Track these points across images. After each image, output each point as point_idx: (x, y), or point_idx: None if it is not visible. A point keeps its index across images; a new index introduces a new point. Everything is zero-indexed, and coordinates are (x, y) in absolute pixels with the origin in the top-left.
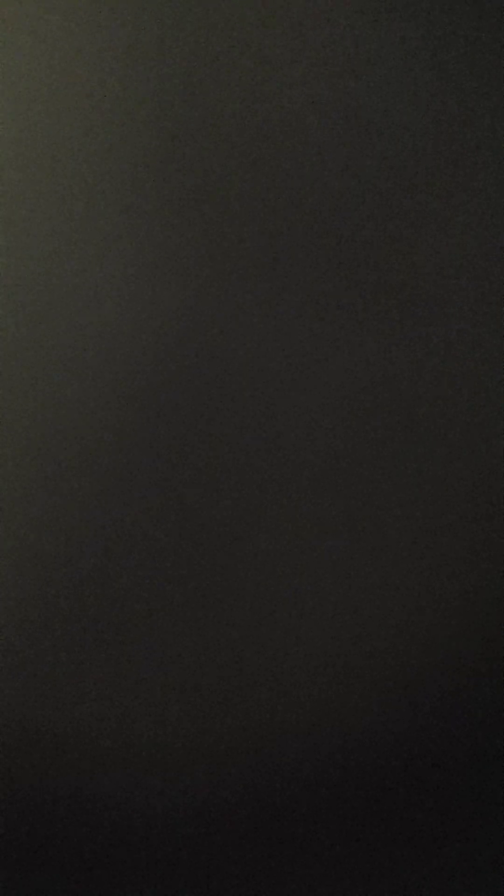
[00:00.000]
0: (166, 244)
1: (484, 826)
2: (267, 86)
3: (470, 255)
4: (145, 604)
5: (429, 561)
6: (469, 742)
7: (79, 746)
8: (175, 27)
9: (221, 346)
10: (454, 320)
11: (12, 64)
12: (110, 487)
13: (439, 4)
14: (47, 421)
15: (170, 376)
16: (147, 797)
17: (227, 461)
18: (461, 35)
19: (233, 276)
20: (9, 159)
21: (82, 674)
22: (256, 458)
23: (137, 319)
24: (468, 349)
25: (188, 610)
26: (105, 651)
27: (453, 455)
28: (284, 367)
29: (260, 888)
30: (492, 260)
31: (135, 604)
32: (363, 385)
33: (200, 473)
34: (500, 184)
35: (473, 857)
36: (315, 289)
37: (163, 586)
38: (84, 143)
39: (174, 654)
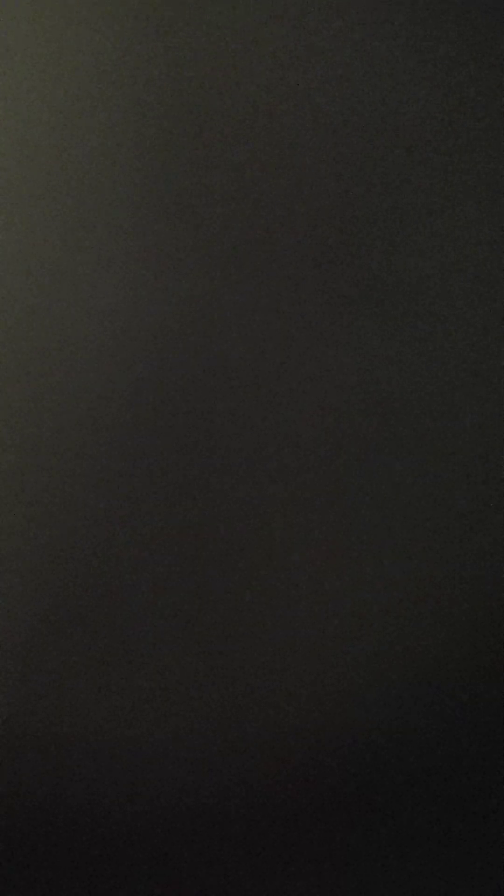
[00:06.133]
0: (165, 246)
1: (484, 826)
2: (266, 86)
3: (470, 255)
4: (146, 603)
5: (429, 560)
6: (469, 741)
7: (78, 746)
8: (174, 30)
9: (221, 345)
10: (453, 319)
11: (12, 65)
12: (110, 485)
13: (439, 5)
14: (47, 424)
15: (169, 378)
16: (147, 797)
17: (226, 461)
18: (461, 34)
19: (232, 276)
20: (9, 161)
21: (82, 674)
22: (256, 458)
23: (136, 321)
24: (468, 349)
25: (189, 610)
26: (105, 651)
27: (453, 453)
28: (283, 369)
29: (260, 888)
30: (492, 260)
31: (135, 603)
32: (362, 385)
33: (200, 475)
34: (500, 184)
35: (473, 857)
36: (314, 289)
37: (163, 586)
38: (83, 144)
39: (174, 654)
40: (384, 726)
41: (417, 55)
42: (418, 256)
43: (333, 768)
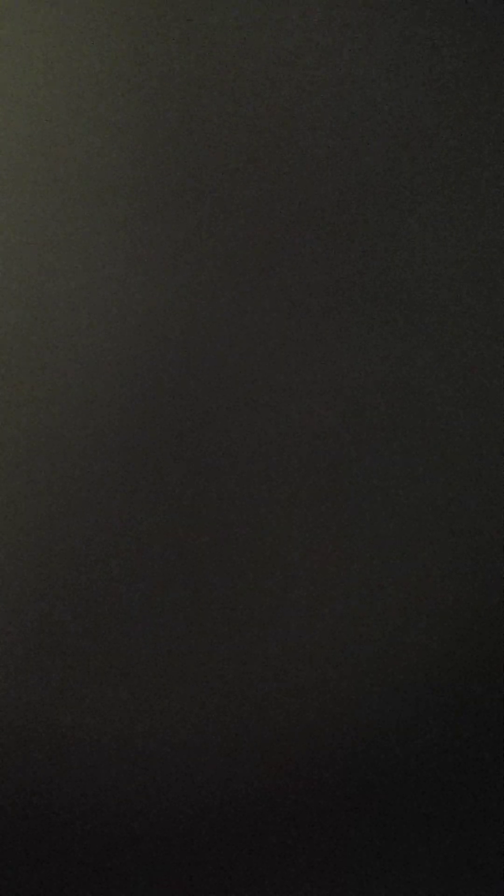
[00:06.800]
0: (165, 245)
1: (484, 826)
2: (266, 84)
3: (471, 254)
4: (146, 603)
5: (429, 558)
6: (470, 741)
7: (79, 746)
8: (174, 29)
9: (221, 344)
10: (455, 317)
11: (12, 66)
12: (110, 485)
13: (439, 5)
14: (47, 422)
15: (168, 376)
16: (147, 796)
17: (226, 460)
18: (460, 34)
19: (232, 275)
20: (9, 162)
21: (82, 673)
22: (255, 457)
23: (136, 319)
24: (469, 347)
25: (189, 610)
26: (105, 650)
27: (454, 452)
28: (283, 367)
29: (260, 887)
30: (492, 260)
31: (135, 603)
32: (363, 383)
33: (200, 474)
34: (500, 184)
35: (473, 857)
36: (314, 288)
37: (163, 585)
38: (83, 143)
39: (174, 655)
40: (384, 726)
41: (418, 53)
42: (419, 254)
43: (334, 768)
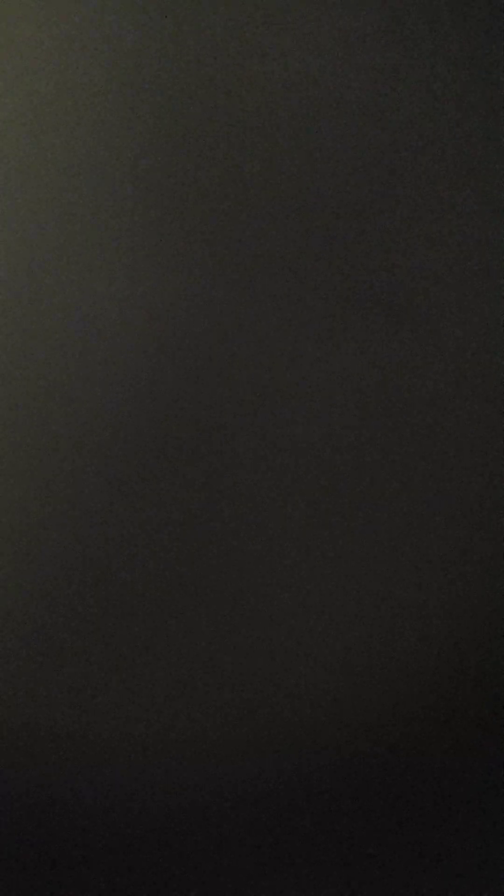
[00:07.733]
0: (167, 249)
1: (484, 826)
2: (268, 86)
3: (471, 255)
4: (146, 603)
5: (429, 562)
6: (470, 741)
7: (79, 744)
8: (174, 31)
9: (222, 346)
10: (453, 322)
11: (13, 66)
12: (112, 486)
13: (440, 5)
14: (49, 424)
15: (170, 380)
16: (147, 795)
17: (227, 464)
18: (461, 35)
19: (233, 276)
20: (10, 163)
21: (82, 672)
22: (257, 458)
23: (138, 320)
24: (470, 348)
25: (189, 609)
26: (106, 650)
27: (453, 455)
28: (285, 370)
29: (260, 887)
30: (490, 263)
31: (136, 603)
32: (364, 385)
33: (201, 476)
34: (499, 186)
35: (473, 858)
36: (315, 291)
37: (164, 586)
38: (85, 144)
39: (175, 655)
40: (384, 726)
41: (418, 56)
42: (420, 255)
43: (333, 768)
